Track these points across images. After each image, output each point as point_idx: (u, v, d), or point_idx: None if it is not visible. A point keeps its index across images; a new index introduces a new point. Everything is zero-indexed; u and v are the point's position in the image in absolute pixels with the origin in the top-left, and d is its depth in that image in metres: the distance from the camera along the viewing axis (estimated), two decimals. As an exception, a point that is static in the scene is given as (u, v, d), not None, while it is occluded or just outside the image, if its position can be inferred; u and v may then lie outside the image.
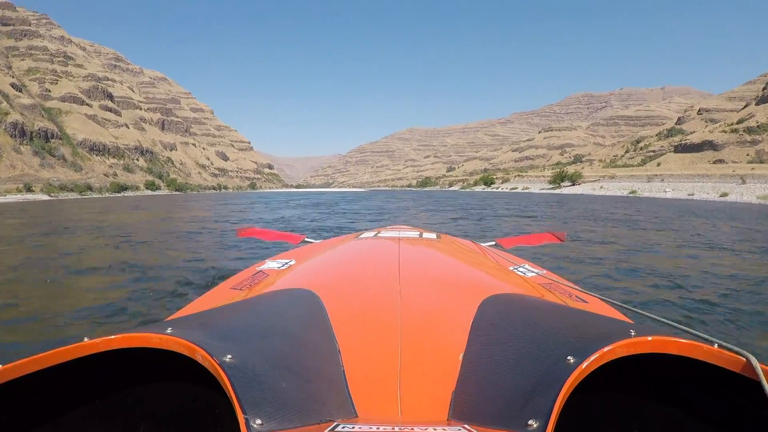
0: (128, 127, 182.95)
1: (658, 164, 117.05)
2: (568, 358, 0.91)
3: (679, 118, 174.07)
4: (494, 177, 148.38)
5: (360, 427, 0.76)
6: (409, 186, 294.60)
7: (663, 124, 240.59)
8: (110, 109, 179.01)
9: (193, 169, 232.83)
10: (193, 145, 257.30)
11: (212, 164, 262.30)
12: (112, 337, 0.98)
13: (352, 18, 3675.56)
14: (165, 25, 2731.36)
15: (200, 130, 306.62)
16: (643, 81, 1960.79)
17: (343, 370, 1.04)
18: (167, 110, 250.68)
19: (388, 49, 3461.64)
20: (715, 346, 0.94)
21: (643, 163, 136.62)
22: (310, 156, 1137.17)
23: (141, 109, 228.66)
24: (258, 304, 1.51)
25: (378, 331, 1.23)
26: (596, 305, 1.85)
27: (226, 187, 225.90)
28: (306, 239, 4.03)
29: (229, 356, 0.91)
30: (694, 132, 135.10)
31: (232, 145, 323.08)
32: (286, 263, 2.34)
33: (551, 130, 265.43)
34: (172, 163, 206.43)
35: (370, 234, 3.09)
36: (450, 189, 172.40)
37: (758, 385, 0.83)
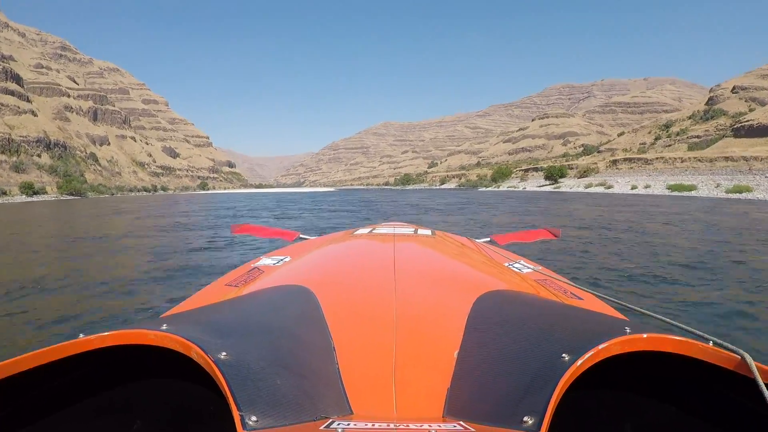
0: (35, 115, 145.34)
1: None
2: (563, 355, 0.91)
3: (710, 99, 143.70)
4: (565, 167, 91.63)
5: (355, 424, 0.76)
6: (387, 184, 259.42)
7: (664, 110, 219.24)
8: (12, 92, 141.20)
9: (126, 166, 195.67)
10: (132, 138, 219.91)
11: (154, 161, 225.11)
12: (107, 333, 0.97)
13: (325, 14, 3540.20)
14: (144, 23, 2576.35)
15: (150, 123, 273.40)
16: (624, 72, 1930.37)
17: (338, 367, 1.03)
18: (101, 98, 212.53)
19: (361, 44, 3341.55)
20: (710, 344, 0.95)
21: (692, 150, 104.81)
22: (285, 155, 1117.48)
23: (69, 96, 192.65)
24: (253, 300, 1.50)
25: (373, 328, 1.23)
26: (591, 302, 1.84)
27: (165, 189, 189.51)
28: (301, 236, 4.01)
29: (224, 353, 0.91)
30: (744, 113, 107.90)
31: (187, 140, 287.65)
32: (281, 260, 2.31)
33: (547, 117, 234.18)
34: (95, 160, 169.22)
35: (365, 231, 3.07)
36: (444, 187, 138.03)
37: (753, 382, 0.84)
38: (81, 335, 0.97)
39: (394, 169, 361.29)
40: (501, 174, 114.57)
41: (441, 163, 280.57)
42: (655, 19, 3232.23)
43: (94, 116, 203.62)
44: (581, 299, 1.85)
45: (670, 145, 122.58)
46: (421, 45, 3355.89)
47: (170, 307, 2.03)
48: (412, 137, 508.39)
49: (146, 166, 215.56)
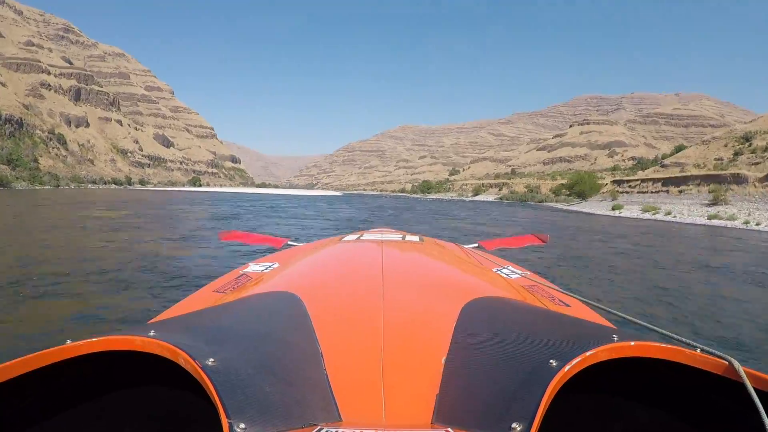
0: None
1: None
2: (551, 361, 0.92)
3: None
4: None
5: (344, 431, 0.76)
6: (403, 191, 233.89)
7: (710, 125, 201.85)
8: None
9: (103, 153, 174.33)
10: (118, 122, 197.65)
11: (141, 149, 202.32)
12: (94, 339, 0.97)
13: (347, 15, 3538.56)
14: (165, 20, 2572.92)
15: (148, 109, 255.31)
16: (652, 87, 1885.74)
17: (327, 374, 1.03)
18: (87, 77, 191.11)
19: (382, 47, 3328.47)
20: (698, 350, 0.96)
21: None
22: (300, 155, 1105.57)
23: (50, 74, 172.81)
24: (241, 306, 1.51)
25: (361, 334, 1.23)
26: (579, 309, 1.87)
27: (145, 183, 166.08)
28: (289, 242, 3.96)
29: (212, 360, 0.91)
30: None
31: (187, 130, 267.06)
32: (269, 266, 2.32)
33: (588, 124, 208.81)
34: (62, 143, 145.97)
35: (353, 237, 3.05)
36: (479, 199, 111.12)
37: (741, 388, 0.86)
38: (68, 341, 0.97)
39: (411, 175, 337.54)
40: (583, 183, 79.63)
41: (463, 170, 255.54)
42: (684, 35, 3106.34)
43: (77, 96, 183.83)
44: (569, 306, 1.89)
45: (758, 163, 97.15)
46: (442, 49, 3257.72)
47: (157, 313, 2.03)
48: (431, 142, 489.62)
49: (129, 154, 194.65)
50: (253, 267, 2.34)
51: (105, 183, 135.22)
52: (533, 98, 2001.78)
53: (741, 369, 0.88)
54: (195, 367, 0.88)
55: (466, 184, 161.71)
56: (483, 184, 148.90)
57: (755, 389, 0.85)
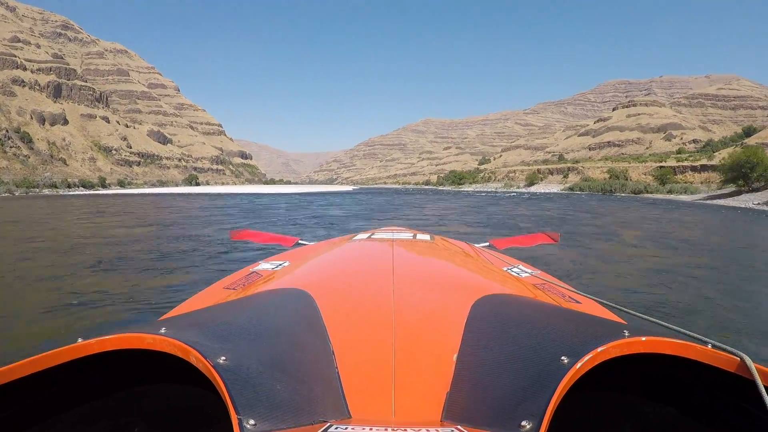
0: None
1: None
2: (562, 358, 0.91)
3: None
4: None
5: (353, 428, 0.76)
6: (428, 183, 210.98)
7: (759, 107, 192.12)
8: None
9: (81, 152, 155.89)
10: (105, 119, 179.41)
11: (128, 147, 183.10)
12: (106, 338, 0.98)
13: (365, 8, 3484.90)
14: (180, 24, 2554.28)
15: (148, 106, 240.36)
16: (681, 70, 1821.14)
17: (337, 371, 1.03)
18: (69, 72, 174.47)
19: (401, 40, 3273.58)
20: (709, 346, 0.95)
21: None
22: (322, 152, 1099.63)
23: (26, 69, 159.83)
24: (251, 304, 1.51)
25: (372, 332, 1.23)
26: (590, 306, 1.86)
27: (126, 183, 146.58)
28: (300, 241, 3.99)
29: (223, 357, 0.92)
30: None
31: (191, 127, 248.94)
32: (280, 264, 2.33)
33: (635, 106, 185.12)
34: (26, 142, 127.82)
35: (364, 235, 3.06)
36: (541, 191, 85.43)
37: (752, 384, 0.84)
38: (79, 339, 0.98)
39: (436, 166, 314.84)
40: None
41: (494, 159, 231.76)
42: (715, 15, 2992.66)
43: (57, 92, 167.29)
44: (579, 303, 1.88)
45: None
46: (462, 42, 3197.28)
47: (168, 309, 2.01)
48: (454, 135, 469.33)
49: (115, 152, 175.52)
50: (264, 265, 2.33)
51: (69, 186, 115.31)
52: (558, 87, 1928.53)
53: (753, 366, 0.87)
54: (207, 365, 0.89)
55: (514, 171, 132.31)
56: (539, 170, 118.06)
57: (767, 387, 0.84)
